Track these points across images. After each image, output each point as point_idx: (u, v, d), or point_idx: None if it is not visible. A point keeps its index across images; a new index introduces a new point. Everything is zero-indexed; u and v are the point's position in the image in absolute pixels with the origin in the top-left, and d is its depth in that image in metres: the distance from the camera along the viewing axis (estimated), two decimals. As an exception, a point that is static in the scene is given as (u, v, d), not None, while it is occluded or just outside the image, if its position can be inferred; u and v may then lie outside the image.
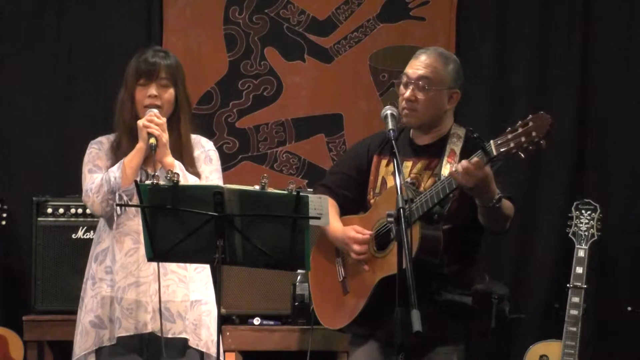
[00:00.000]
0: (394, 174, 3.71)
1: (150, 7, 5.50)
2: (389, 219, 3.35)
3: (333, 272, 3.84)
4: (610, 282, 5.38)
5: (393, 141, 3.49)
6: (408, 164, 3.78)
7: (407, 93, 3.71)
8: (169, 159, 3.73)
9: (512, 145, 3.39)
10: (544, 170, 5.46)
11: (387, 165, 3.81)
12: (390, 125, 3.57)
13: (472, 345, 3.79)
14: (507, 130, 3.43)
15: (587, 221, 4.89)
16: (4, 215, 5.17)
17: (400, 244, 3.22)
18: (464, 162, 3.43)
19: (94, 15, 5.48)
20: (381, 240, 3.69)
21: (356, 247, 3.70)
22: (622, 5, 5.47)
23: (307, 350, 4.45)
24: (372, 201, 3.81)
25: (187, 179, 3.72)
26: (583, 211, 4.92)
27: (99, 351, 3.80)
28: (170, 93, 3.81)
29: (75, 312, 4.83)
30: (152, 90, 3.78)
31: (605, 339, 5.35)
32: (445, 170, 3.65)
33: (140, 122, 3.73)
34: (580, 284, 4.82)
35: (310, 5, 5.53)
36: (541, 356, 4.91)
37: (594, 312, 5.19)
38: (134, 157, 3.74)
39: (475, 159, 3.42)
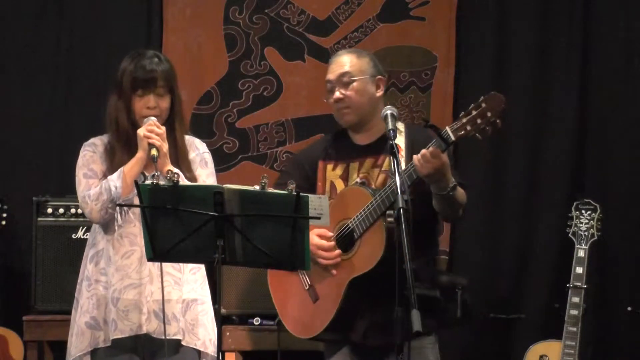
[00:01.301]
0: (342, 176, 3.78)
1: (150, 7, 5.50)
2: (389, 219, 3.36)
3: (296, 282, 3.85)
4: (610, 282, 5.38)
5: (393, 142, 3.51)
6: (355, 165, 3.86)
7: (335, 95, 3.83)
8: (169, 168, 3.74)
9: (468, 128, 3.48)
10: (544, 170, 5.46)
11: (334, 169, 3.89)
12: (390, 125, 3.59)
13: (442, 335, 3.88)
14: (461, 115, 3.53)
15: (587, 221, 4.89)
16: (4, 215, 5.17)
17: (400, 244, 3.23)
18: (423, 151, 3.50)
19: (94, 15, 5.47)
20: (343, 242, 3.72)
21: (323, 253, 3.72)
22: (622, 5, 5.47)
23: (306, 351, 4.45)
24: None
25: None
26: (583, 211, 4.92)
27: (94, 352, 3.80)
28: (166, 101, 3.83)
29: (75, 312, 4.82)
30: (151, 102, 3.79)
31: (605, 339, 5.35)
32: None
33: (140, 132, 3.73)
34: (580, 284, 4.82)
35: (310, 5, 5.53)
36: (541, 356, 4.91)
37: (594, 312, 5.19)
38: (134, 167, 3.75)
39: (432, 147, 3.48)
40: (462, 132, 3.48)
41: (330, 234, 3.75)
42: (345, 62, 3.85)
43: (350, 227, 3.69)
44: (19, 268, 5.32)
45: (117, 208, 3.73)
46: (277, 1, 5.52)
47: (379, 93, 3.86)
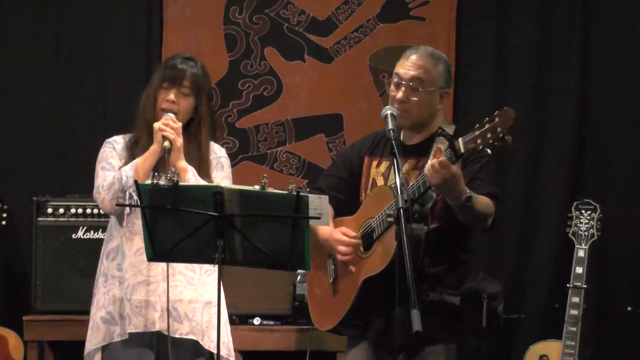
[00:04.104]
0: (384, 174, 3.75)
1: (150, 7, 5.50)
2: (389, 219, 3.35)
3: (325, 274, 3.85)
4: (610, 282, 5.38)
5: (393, 141, 3.50)
6: None
7: (400, 94, 3.71)
8: (182, 163, 3.77)
9: (478, 142, 3.39)
10: (544, 170, 5.46)
11: (378, 166, 3.84)
12: (390, 125, 3.58)
13: (466, 344, 3.76)
14: (475, 127, 3.43)
15: (587, 221, 4.89)
16: (4, 215, 5.16)
17: (400, 244, 3.22)
18: (432, 161, 3.44)
19: (94, 15, 5.47)
20: (366, 240, 3.71)
21: (341, 249, 3.71)
22: (622, 5, 5.47)
23: (307, 350, 4.46)
24: None
25: (199, 183, 3.74)
26: (583, 211, 4.92)
27: (106, 347, 3.83)
28: (189, 102, 3.86)
29: (75, 312, 4.85)
30: (171, 95, 3.84)
31: (605, 339, 5.35)
32: None
33: (156, 125, 3.79)
34: (580, 284, 4.82)
35: (310, 5, 5.53)
36: (541, 356, 4.91)
37: (594, 312, 5.19)
38: (147, 159, 3.79)
39: (442, 157, 3.44)
40: (472, 145, 3.39)
41: (353, 233, 3.72)
42: (421, 66, 3.71)
43: (372, 226, 3.69)
44: (19, 268, 5.32)
45: (127, 196, 3.75)
46: (277, 1, 5.52)
47: (441, 105, 3.76)
